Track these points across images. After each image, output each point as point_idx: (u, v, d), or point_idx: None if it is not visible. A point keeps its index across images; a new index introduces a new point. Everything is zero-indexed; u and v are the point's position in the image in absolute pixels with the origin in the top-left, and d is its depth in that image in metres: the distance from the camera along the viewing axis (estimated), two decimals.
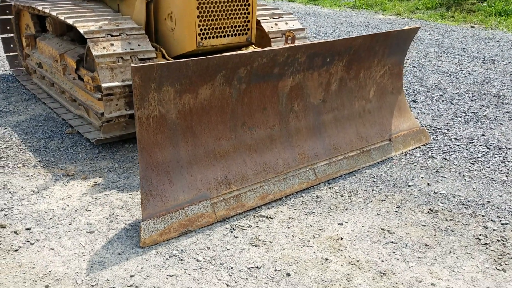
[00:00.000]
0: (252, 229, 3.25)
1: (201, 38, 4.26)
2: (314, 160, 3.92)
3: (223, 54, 3.32)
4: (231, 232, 3.21)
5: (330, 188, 3.83)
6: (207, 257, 2.94)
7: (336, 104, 4.19)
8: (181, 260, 2.91)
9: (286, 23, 5.19)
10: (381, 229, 3.27)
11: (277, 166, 3.72)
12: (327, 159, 3.99)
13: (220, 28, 4.35)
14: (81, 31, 4.01)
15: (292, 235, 3.19)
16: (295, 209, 3.51)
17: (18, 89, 5.82)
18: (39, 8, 4.76)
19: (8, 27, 6.12)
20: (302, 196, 3.69)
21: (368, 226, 3.31)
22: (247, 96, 3.57)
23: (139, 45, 4.15)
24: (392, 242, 3.13)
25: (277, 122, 3.81)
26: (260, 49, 3.52)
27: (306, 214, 3.45)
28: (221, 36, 4.39)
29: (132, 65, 2.89)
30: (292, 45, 3.69)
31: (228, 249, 3.04)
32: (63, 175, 3.87)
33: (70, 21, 4.19)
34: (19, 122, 4.84)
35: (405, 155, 4.46)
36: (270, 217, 3.40)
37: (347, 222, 3.35)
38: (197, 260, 2.91)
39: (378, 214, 3.46)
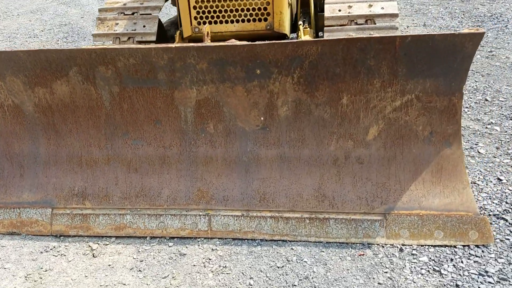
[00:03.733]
0: (59, 259, 2.75)
1: (198, 23, 3.53)
2: (218, 205, 2.83)
3: (66, 48, 2.75)
4: (40, 253, 2.81)
5: (214, 250, 2.71)
6: None
7: (288, 137, 2.80)
8: None
9: (370, 6, 3.59)
10: None
11: (158, 196, 2.90)
12: (242, 210, 2.80)
13: (226, 11, 3.47)
14: (98, 8, 3.99)
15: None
16: (132, 258, 2.71)
17: None
18: None
19: None
20: (166, 244, 2.79)
21: None
22: (126, 102, 2.85)
23: (144, 27, 3.82)
24: None
25: (176, 143, 2.90)
26: (135, 46, 2.67)
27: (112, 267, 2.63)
28: (227, 22, 3.50)
29: None
30: (178, 45, 2.63)
31: (6, 268, 2.71)
32: None
33: None
34: None
35: (401, 250, 2.60)
36: (94, 255, 2.76)
37: None
38: None
39: None
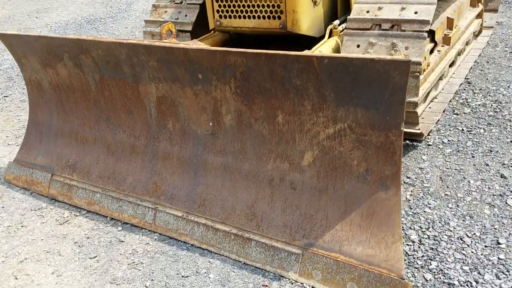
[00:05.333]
0: (37, 219, 3.17)
1: (220, 17, 3.53)
2: (166, 201, 2.89)
3: (56, 36, 3.02)
4: (30, 210, 3.27)
5: (147, 244, 2.81)
6: None
7: (232, 148, 2.69)
8: None
9: (403, 8, 3.12)
10: None
11: (123, 182, 3.09)
12: (183, 211, 2.82)
13: (244, 6, 3.40)
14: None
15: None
16: (84, 233, 2.99)
17: None
18: None
19: None
20: (110, 226, 2.98)
21: None
22: (106, 90, 3.07)
23: (185, 16, 3.96)
24: None
25: (143, 134, 3.03)
26: (100, 39, 2.79)
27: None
28: (245, 17, 3.44)
29: None
30: (131, 41, 2.68)
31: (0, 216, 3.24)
32: None
33: None
34: None
35: None
36: (60, 222, 3.11)
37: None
38: None
39: None
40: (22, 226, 3.11)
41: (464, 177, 3.14)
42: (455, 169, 3.23)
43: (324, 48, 3.29)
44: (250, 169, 2.64)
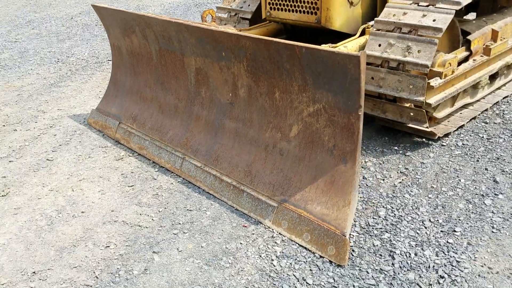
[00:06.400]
0: (102, 153, 4.05)
1: (270, 8, 4.12)
2: (192, 153, 3.58)
3: (131, 11, 3.79)
4: (98, 147, 4.16)
5: (171, 183, 3.53)
6: (62, 142, 4.27)
7: (243, 116, 3.28)
8: (69, 139, 4.39)
9: (424, 16, 3.46)
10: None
11: (165, 134, 3.83)
12: (201, 163, 3.49)
13: (289, 1, 3.96)
14: None
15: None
16: (130, 169, 3.79)
17: None
18: None
19: None
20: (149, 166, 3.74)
21: None
22: (163, 59, 3.81)
23: (248, 5, 4.59)
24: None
25: (184, 98, 3.73)
26: (158, 16, 3.48)
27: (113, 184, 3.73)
28: (289, 10, 3.99)
29: (92, 4, 4.23)
30: (179, 20, 3.35)
31: (76, 148, 4.17)
32: None
33: None
34: None
35: (273, 236, 2.88)
36: (116, 158, 3.94)
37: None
38: (67, 142, 4.31)
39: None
40: (89, 157, 4.00)
41: (457, 176, 3.42)
42: (454, 168, 3.52)
43: (350, 44, 3.73)
44: (253, 135, 3.22)
